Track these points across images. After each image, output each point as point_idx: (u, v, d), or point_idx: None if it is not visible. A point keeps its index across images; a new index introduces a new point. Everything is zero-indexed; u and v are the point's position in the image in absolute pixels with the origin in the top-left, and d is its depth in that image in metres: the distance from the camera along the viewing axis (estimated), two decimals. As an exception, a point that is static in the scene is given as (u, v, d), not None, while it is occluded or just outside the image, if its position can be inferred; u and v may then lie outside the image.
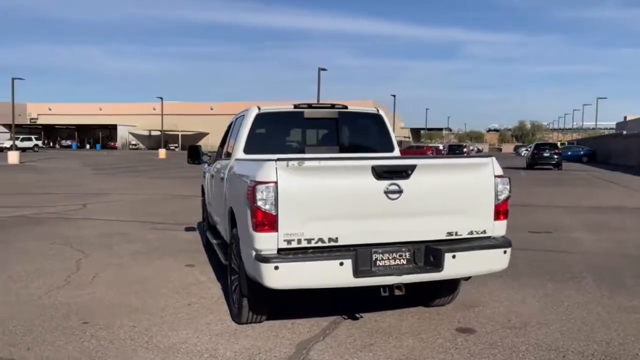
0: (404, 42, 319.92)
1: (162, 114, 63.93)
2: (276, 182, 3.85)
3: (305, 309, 5.12)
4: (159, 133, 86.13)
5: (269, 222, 3.88)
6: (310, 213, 3.96)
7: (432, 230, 4.27)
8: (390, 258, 4.17)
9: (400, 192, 4.09)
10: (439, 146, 58.82)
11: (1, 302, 5.53)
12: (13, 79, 37.40)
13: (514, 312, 5.21)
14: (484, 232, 4.42)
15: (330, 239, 4.02)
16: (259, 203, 3.86)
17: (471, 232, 4.37)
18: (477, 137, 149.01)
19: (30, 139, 62.13)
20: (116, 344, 4.38)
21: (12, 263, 7.25)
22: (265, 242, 3.91)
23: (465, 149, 40.47)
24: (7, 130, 79.75)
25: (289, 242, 3.93)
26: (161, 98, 61.49)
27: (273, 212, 3.87)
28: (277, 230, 3.89)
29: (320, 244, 4.00)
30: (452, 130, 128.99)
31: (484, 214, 4.38)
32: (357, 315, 5.06)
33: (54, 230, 9.95)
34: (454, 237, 4.32)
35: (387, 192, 4.05)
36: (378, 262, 4.15)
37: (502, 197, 4.42)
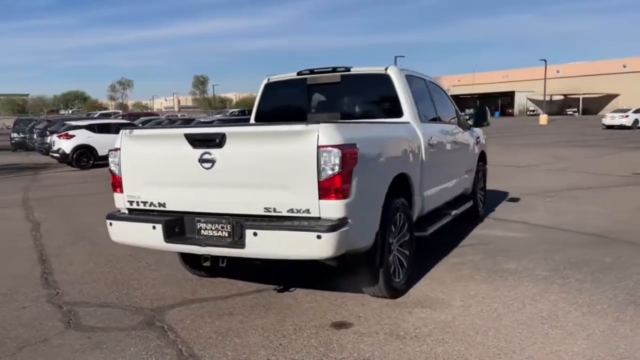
0: None
1: (544, 78, 60.48)
2: (119, 149, 4.36)
3: (273, 274, 5.27)
4: (561, 97, 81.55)
5: (117, 184, 4.42)
6: (143, 178, 4.29)
7: (249, 204, 3.89)
8: (213, 229, 4.05)
9: (212, 161, 3.94)
10: None
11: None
12: (395, 57, 42.35)
13: (442, 322, 4.07)
14: (308, 211, 3.72)
15: (159, 204, 4.24)
16: (111, 166, 4.45)
17: (292, 210, 3.75)
18: None
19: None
20: (106, 272, 5.67)
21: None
22: (118, 201, 4.47)
23: None
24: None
25: (131, 203, 4.38)
26: (544, 60, 58.25)
27: (118, 175, 4.40)
28: (122, 192, 4.41)
29: (152, 208, 4.28)
30: None
31: (307, 191, 3.67)
32: (292, 289, 4.93)
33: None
34: (272, 213, 3.82)
35: (201, 161, 3.98)
36: (202, 231, 4.10)
37: (329, 172, 3.61)
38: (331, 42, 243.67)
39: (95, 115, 43.52)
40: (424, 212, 5.38)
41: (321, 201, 3.67)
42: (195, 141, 3.99)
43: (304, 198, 3.71)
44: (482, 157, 7.92)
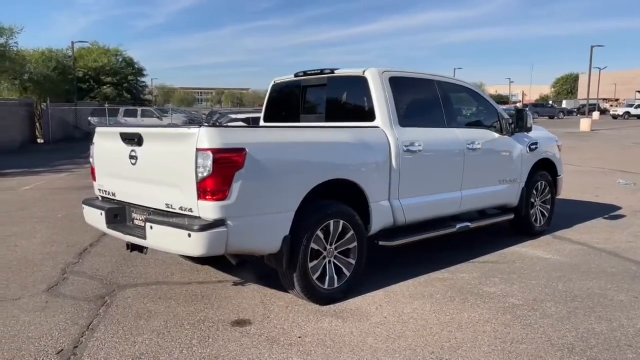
0: None
1: None
2: (94, 144, 5.03)
3: (255, 269, 5.51)
4: None
5: (93, 174, 5.09)
6: (105, 170, 4.87)
7: (157, 199, 4.18)
8: (140, 220, 4.45)
9: (137, 158, 4.34)
10: None
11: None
12: (592, 47, 37.60)
13: (335, 334, 3.94)
14: (191, 210, 3.89)
15: (112, 194, 4.78)
16: (90, 158, 5.14)
17: (182, 208, 3.97)
18: None
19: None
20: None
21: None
22: (95, 188, 5.15)
23: None
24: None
25: (100, 191, 5.00)
26: None
27: (92, 166, 5.07)
28: (96, 181, 5.07)
29: (109, 197, 4.85)
30: None
31: (189, 191, 3.85)
32: (248, 284, 5.14)
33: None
34: (170, 210, 4.07)
35: (130, 157, 4.41)
36: (135, 220, 4.53)
37: (205, 174, 3.74)
38: (545, 30, 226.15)
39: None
40: (399, 222, 5.11)
41: (199, 202, 3.85)
42: (126, 140, 4.46)
43: (189, 198, 3.92)
44: (546, 166, 7.02)
